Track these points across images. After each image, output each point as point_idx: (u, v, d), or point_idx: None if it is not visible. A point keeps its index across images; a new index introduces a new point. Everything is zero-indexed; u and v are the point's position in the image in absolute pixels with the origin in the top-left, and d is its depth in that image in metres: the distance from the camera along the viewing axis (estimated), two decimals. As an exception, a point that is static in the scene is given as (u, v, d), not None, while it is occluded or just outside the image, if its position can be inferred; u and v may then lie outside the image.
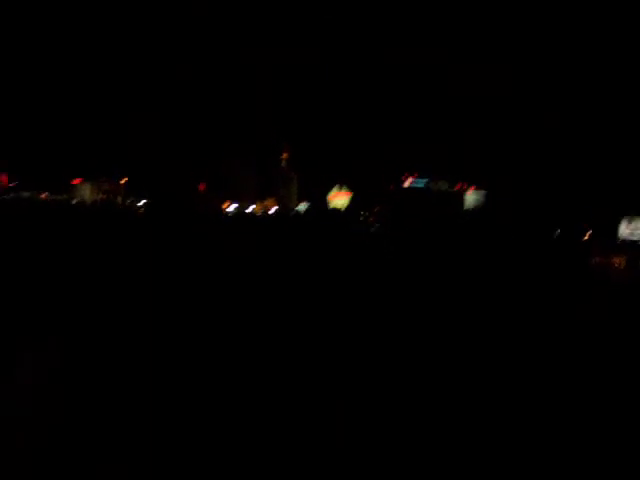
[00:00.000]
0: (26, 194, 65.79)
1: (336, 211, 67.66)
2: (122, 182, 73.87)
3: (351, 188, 77.54)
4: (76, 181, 71.38)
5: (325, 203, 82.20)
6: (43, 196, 66.05)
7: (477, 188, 77.35)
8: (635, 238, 53.97)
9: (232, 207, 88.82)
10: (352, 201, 76.17)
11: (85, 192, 70.13)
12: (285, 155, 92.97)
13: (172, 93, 74.71)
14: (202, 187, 74.21)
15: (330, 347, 7.45)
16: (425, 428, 5.27)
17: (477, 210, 73.77)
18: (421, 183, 69.85)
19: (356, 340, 8.29)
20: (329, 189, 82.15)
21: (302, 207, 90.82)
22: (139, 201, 74.04)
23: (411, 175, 69.25)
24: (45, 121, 64.75)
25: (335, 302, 10.26)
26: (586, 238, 42.84)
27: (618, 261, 32.08)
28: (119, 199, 71.41)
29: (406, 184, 70.34)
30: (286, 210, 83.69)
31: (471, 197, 79.99)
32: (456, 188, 70.10)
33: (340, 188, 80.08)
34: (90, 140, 68.42)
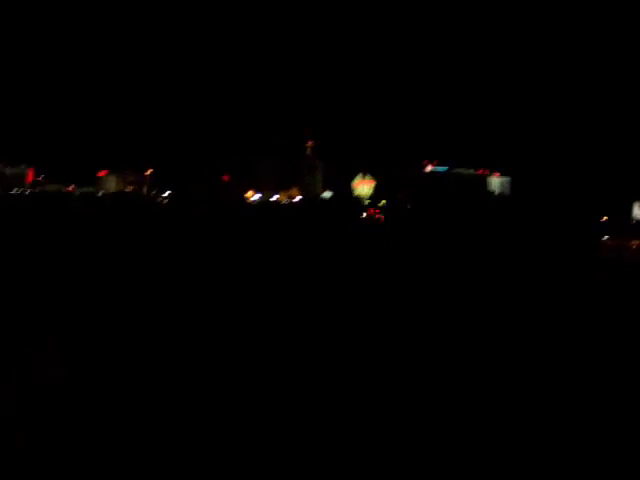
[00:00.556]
0: (53, 187, 67.13)
1: (357, 200, 67.88)
2: (147, 173, 74.87)
3: (374, 176, 77.75)
4: (102, 173, 72.57)
5: (349, 191, 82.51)
6: (70, 189, 67.34)
7: (501, 174, 77.38)
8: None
9: (256, 196, 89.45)
10: (376, 188, 76.48)
11: (111, 184, 71.28)
12: (310, 143, 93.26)
13: (196, 85, 75.67)
14: (226, 178, 74.94)
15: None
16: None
17: (502, 194, 73.99)
18: (443, 169, 69.90)
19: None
20: (353, 177, 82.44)
21: (326, 195, 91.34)
22: (164, 192, 75.15)
23: (431, 162, 69.32)
24: (71, 115, 66.08)
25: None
26: (603, 220, 42.98)
27: (632, 242, 32.36)
28: (144, 190, 72.43)
29: (428, 169, 70.43)
30: (311, 198, 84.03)
31: (497, 181, 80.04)
32: (479, 173, 70.03)
33: (364, 176, 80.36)
34: (115, 133, 69.59)
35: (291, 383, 6.00)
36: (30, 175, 68.62)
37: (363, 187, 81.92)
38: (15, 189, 60.12)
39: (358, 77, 73.52)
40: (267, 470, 4.48)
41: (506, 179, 80.00)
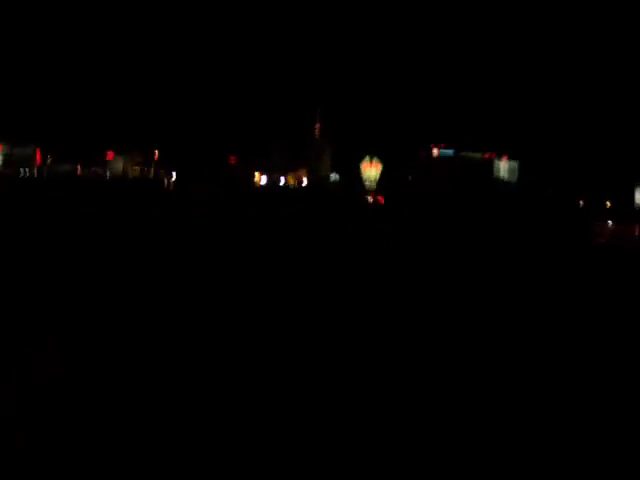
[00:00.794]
0: (62, 168, 67.53)
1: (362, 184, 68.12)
2: (154, 155, 75.15)
3: (382, 159, 77.82)
4: (109, 154, 72.88)
5: (357, 173, 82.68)
6: (78, 170, 67.74)
7: (509, 158, 77.21)
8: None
9: (264, 179, 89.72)
10: (383, 172, 76.59)
11: (118, 165, 71.62)
12: (318, 125, 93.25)
13: (204, 66, 75.58)
14: (233, 160, 75.12)
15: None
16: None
17: (510, 179, 74.01)
18: (450, 152, 69.96)
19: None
20: (360, 159, 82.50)
21: (334, 177, 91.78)
22: (170, 174, 75.48)
23: (437, 145, 69.31)
24: (77, 95, 66.26)
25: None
26: (607, 207, 43.16)
27: (635, 228, 32.54)
28: (151, 172, 72.77)
29: (435, 153, 70.47)
30: (318, 181, 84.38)
31: (505, 165, 79.95)
32: (485, 157, 69.99)
33: (371, 159, 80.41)
34: (122, 113, 69.80)
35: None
36: (38, 156, 69.06)
37: (371, 170, 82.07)
38: (22, 170, 60.73)
39: (366, 59, 73.16)
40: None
41: (514, 163, 80.00)
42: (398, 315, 10.80)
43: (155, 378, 5.96)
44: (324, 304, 10.05)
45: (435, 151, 73.16)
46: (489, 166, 70.44)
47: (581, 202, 48.56)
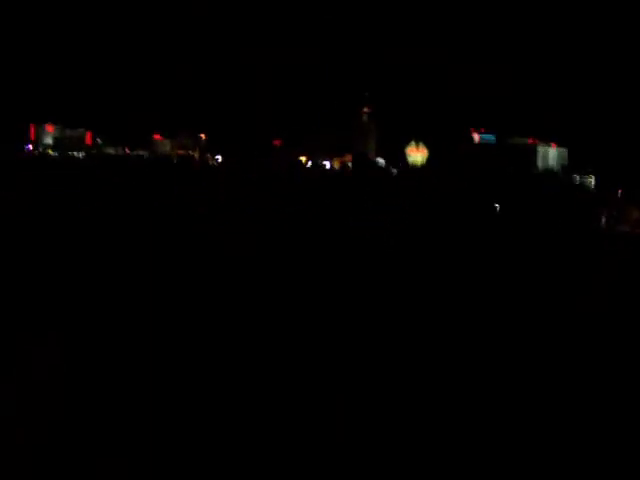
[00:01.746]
0: (110, 150, 70.12)
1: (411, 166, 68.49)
2: (200, 138, 77.14)
3: (427, 144, 78.34)
4: (156, 136, 75.16)
5: (403, 158, 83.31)
6: (126, 151, 70.20)
7: (558, 145, 76.67)
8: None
9: (309, 163, 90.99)
10: (429, 157, 77.12)
11: (165, 147, 73.86)
12: (366, 109, 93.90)
13: (249, 51, 77.11)
14: (278, 142, 76.60)
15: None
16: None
17: (560, 166, 73.54)
18: (491, 137, 69.85)
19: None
20: (406, 144, 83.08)
21: (380, 161, 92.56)
22: (216, 156, 77.42)
23: (477, 130, 69.45)
24: (126, 78, 68.65)
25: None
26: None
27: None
28: (196, 154, 74.85)
29: (476, 138, 70.58)
30: (364, 165, 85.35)
31: (553, 152, 79.36)
32: (529, 142, 69.70)
33: (417, 144, 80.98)
34: (170, 97, 71.91)
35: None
36: (88, 138, 71.79)
37: (416, 155, 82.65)
38: (75, 152, 63.28)
39: (411, 46, 73.63)
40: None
41: (564, 150, 79.27)
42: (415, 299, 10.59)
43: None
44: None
45: (475, 136, 73.24)
46: (532, 152, 70.22)
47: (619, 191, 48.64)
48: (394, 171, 73.96)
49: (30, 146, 64.93)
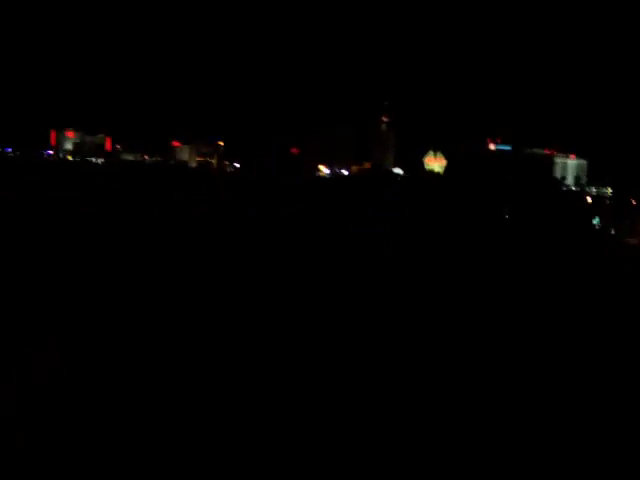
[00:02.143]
0: (129, 157, 70.93)
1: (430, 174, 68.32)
2: (219, 145, 77.97)
3: (445, 154, 78.58)
4: (175, 143, 76.06)
5: (421, 167, 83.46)
6: (145, 158, 71.04)
7: (578, 156, 76.46)
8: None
9: (327, 171, 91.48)
10: (447, 166, 77.25)
11: (183, 154, 74.72)
12: (384, 118, 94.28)
13: (268, 60, 78.00)
14: (295, 151, 77.27)
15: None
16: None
17: (579, 178, 73.25)
18: (506, 147, 69.77)
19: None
20: (424, 154, 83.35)
21: (397, 171, 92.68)
22: (233, 164, 78.13)
23: (494, 141, 69.56)
24: (146, 86, 69.80)
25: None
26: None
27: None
28: (214, 161, 75.67)
29: (491, 147, 70.55)
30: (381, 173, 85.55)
31: (573, 163, 79.12)
32: (546, 153, 69.49)
33: (435, 153, 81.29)
34: (189, 104, 72.89)
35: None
36: (108, 144, 72.82)
37: (434, 164, 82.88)
38: (94, 158, 64.18)
39: (428, 52, 74.28)
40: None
41: (583, 162, 78.94)
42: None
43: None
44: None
45: (492, 146, 73.15)
46: (549, 163, 70.07)
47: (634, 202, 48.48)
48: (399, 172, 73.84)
49: (51, 151, 66.02)
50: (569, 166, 77.93)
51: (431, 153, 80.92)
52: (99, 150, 68.70)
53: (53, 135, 71.18)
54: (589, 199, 34.18)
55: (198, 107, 72.01)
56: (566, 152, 74.27)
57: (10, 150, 58.31)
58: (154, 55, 72.10)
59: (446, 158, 79.04)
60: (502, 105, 67.70)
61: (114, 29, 68.38)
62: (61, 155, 65.88)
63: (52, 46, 65.32)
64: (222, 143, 77.13)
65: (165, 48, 71.47)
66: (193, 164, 66.34)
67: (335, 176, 77.60)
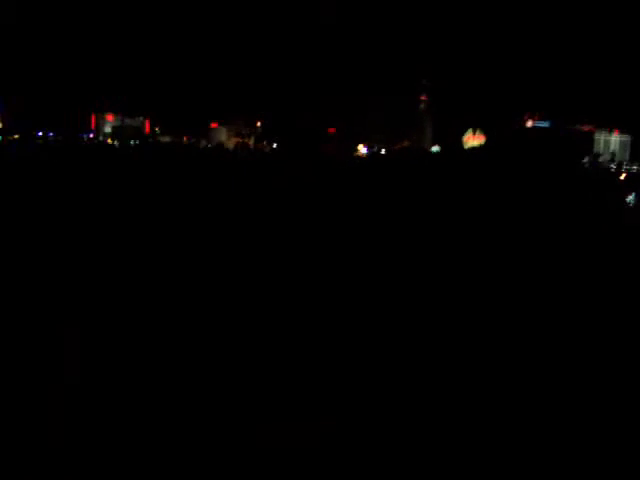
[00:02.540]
0: (166, 138, 72.17)
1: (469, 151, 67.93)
2: (256, 125, 78.66)
3: (485, 131, 77.99)
4: (213, 125, 77.00)
5: (459, 145, 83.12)
6: (184, 140, 72.16)
7: (621, 132, 75.41)
8: None
9: (364, 150, 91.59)
10: (485, 144, 76.75)
11: (221, 135, 75.65)
12: (423, 97, 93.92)
13: (306, 40, 78.12)
14: (332, 130, 77.50)
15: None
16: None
17: (622, 154, 72.15)
18: (545, 124, 69.00)
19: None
20: (463, 132, 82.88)
21: (436, 149, 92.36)
22: (272, 144, 78.75)
23: (533, 116, 68.88)
24: (183, 67, 70.57)
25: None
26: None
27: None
28: (251, 142, 76.38)
29: (529, 124, 69.90)
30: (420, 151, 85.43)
31: (616, 140, 78.05)
32: (585, 129, 68.62)
33: (474, 131, 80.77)
34: (226, 85, 73.60)
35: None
36: (147, 126, 74.09)
37: (473, 142, 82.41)
38: (133, 140, 65.23)
39: (464, 34, 73.57)
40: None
41: (627, 138, 77.84)
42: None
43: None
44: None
45: (529, 123, 72.50)
46: (588, 140, 69.24)
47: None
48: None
49: (91, 135, 67.47)
50: (611, 142, 77.03)
51: (470, 131, 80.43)
52: (138, 133, 70.01)
53: (93, 119, 72.69)
54: (622, 176, 33.66)
55: (236, 88, 72.66)
56: (609, 127, 73.37)
57: (53, 135, 59.71)
58: (192, 37, 72.81)
59: (485, 135, 78.51)
60: (541, 80, 66.86)
61: (151, 13, 69.17)
62: (101, 138, 67.27)
63: (91, 30, 66.47)
64: (259, 123, 77.87)
65: (203, 31, 72.05)
66: (230, 145, 67.19)
67: (374, 155, 77.61)
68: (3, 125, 68.48)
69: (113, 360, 5.74)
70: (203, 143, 66.86)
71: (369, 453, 4.70)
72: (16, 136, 57.47)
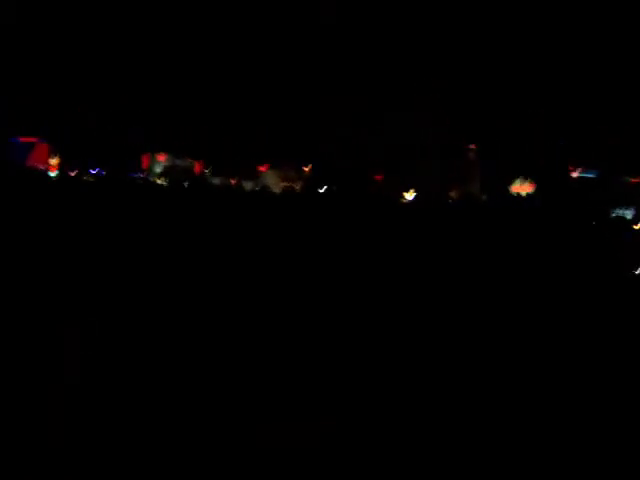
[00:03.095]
0: (216, 180, 73.36)
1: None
2: (306, 169, 79.40)
3: (535, 180, 77.61)
4: (262, 168, 78.03)
5: (508, 194, 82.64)
6: (232, 182, 73.32)
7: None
8: None
9: (412, 196, 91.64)
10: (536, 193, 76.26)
11: (270, 179, 76.56)
12: (472, 146, 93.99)
13: (357, 79, 79.21)
14: (379, 177, 77.90)
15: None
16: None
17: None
18: (591, 174, 67.92)
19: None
20: (512, 180, 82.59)
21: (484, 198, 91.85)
22: (321, 187, 79.38)
23: (578, 166, 68.13)
24: (234, 109, 72.09)
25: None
26: None
27: None
28: (299, 186, 77.07)
29: (575, 174, 69.11)
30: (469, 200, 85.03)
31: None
32: (632, 181, 67.41)
33: (524, 180, 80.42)
34: (280, 128, 74.96)
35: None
36: (197, 167, 75.46)
37: (521, 191, 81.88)
38: (185, 182, 66.67)
39: (518, 80, 73.71)
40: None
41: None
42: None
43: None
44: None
45: (576, 173, 71.52)
46: (635, 191, 67.84)
47: None
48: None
49: (141, 174, 69.04)
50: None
51: (519, 180, 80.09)
52: (188, 174, 71.42)
53: (146, 158, 74.42)
54: None
55: (286, 131, 73.98)
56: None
57: (100, 172, 61.38)
58: (239, 82, 74.62)
59: (534, 185, 78.03)
60: (589, 130, 66.50)
61: (202, 58, 71.09)
62: (150, 179, 68.73)
63: (142, 71, 68.54)
64: (307, 168, 78.87)
65: (253, 76, 73.73)
66: (277, 190, 68.11)
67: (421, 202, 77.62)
68: (59, 164, 70.61)
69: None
70: (250, 186, 67.99)
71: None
72: (73, 173, 59.35)
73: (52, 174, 57.99)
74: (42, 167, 61.52)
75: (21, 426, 5.16)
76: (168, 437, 5.23)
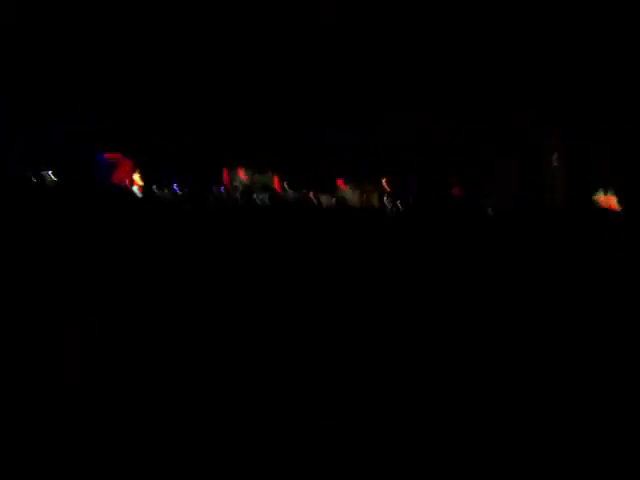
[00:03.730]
0: (293, 194, 72.83)
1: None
2: (381, 183, 78.50)
3: (618, 193, 74.69)
4: (340, 181, 77.49)
5: (592, 206, 79.40)
6: (310, 195, 72.91)
7: None
8: None
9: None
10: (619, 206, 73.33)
11: (347, 193, 76.02)
12: (557, 154, 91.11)
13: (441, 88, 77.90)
14: (458, 192, 76.15)
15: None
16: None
17: None
18: None
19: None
20: (596, 192, 79.62)
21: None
22: (396, 201, 78.17)
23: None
24: (311, 121, 71.67)
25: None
26: None
27: None
28: (374, 199, 76.10)
29: None
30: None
31: None
32: None
33: (606, 193, 77.37)
34: (357, 142, 74.23)
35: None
36: (276, 182, 75.64)
37: (605, 203, 78.77)
38: (261, 196, 66.22)
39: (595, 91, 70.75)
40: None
41: None
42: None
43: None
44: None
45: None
46: None
47: None
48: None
49: (222, 189, 69.27)
50: None
51: (602, 192, 77.10)
52: (267, 188, 71.66)
53: (225, 173, 74.74)
54: None
55: (363, 145, 73.08)
56: None
57: (181, 188, 61.47)
58: (318, 98, 74.23)
59: (616, 198, 74.93)
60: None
61: (276, 79, 70.66)
62: (231, 193, 68.77)
63: (220, 93, 68.67)
64: (385, 180, 77.97)
65: (333, 93, 73.24)
66: (355, 203, 67.35)
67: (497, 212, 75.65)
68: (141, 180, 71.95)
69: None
70: (325, 199, 67.24)
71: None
72: (154, 187, 59.85)
73: (136, 190, 59.02)
74: (127, 183, 62.84)
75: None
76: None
